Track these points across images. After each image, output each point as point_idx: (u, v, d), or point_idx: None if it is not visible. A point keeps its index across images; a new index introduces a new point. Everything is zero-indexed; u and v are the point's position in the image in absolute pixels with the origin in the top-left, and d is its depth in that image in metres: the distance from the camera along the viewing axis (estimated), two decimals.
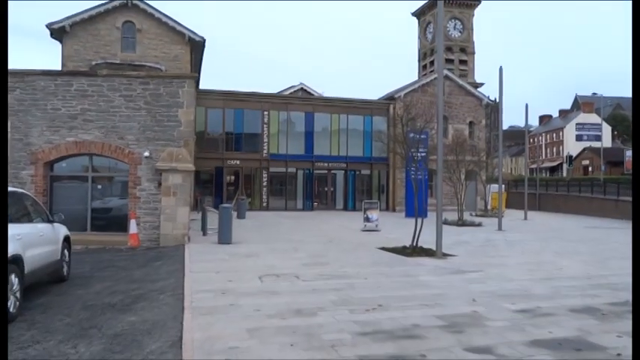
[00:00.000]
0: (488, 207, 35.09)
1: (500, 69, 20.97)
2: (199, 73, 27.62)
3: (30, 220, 7.44)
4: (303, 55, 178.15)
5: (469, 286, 8.30)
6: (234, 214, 24.56)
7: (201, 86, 30.71)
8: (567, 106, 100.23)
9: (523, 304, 6.93)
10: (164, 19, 22.26)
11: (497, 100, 21.24)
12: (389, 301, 7.04)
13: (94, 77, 14.00)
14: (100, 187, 14.63)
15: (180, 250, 12.50)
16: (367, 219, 19.69)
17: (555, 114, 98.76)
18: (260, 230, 18.65)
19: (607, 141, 71.97)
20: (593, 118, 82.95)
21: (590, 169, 75.58)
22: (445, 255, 12.13)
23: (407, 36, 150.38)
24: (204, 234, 15.91)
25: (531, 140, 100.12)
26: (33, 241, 7.04)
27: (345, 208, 33.34)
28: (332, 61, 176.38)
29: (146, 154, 13.79)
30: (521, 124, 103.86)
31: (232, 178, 32.44)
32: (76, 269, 9.79)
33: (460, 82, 36.02)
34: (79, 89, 13.87)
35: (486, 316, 6.32)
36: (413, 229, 19.46)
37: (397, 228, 20.66)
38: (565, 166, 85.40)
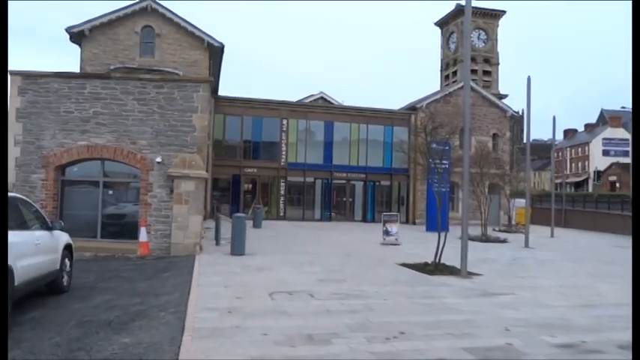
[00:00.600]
0: (512, 222, 33.96)
1: (529, 79, 20.11)
2: (218, 80, 27.34)
3: (26, 228, 6.95)
4: (322, 66, 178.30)
5: (500, 311, 7.51)
6: (250, 223, 24.13)
7: (220, 93, 30.47)
8: (592, 119, 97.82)
9: (564, 337, 6.13)
10: (183, 23, 22.01)
11: (524, 112, 20.33)
12: (411, 328, 6.30)
13: (108, 80, 13.64)
14: (111, 192, 14.21)
15: (191, 261, 11.94)
16: (387, 232, 18.92)
17: (580, 128, 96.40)
18: (275, 241, 18.03)
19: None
20: (621, 132, 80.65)
21: (617, 185, 73.29)
22: (470, 274, 11.31)
23: (429, 46, 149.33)
24: (217, 244, 15.36)
25: (556, 154, 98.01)
26: (27, 250, 6.53)
27: (364, 220, 32.57)
28: (352, 72, 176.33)
29: (158, 159, 13.33)
30: (544, 137, 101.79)
31: (249, 186, 31.99)
32: (79, 279, 9.30)
33: (484, 92, 35.09)
34: (93, 92, 13.52)
35: (523, 350, 5.55)
36: (434, 244, 18.62)
37: (418, 242, 19.84)
38: (591, 181, 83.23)
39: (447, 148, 28.04)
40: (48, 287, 7.68)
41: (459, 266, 12.27)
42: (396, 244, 18.29)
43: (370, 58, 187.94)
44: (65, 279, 8.22)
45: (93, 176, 14.10)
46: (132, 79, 13.61)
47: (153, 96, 13.52)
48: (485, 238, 21.47)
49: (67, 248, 8.40)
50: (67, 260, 8.32)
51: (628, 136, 71.00)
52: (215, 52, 22.69)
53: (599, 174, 51.75)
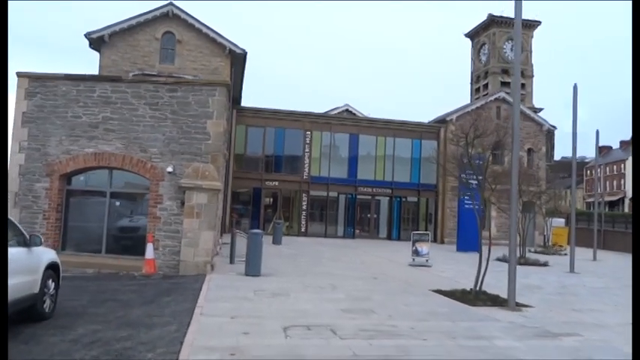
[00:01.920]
0: (548, 243, 31.89)
1: (575, 87, 18.47)
2: (241, 90, 26.44)
3: None
4: (347, 80, 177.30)
5: None
6: (270, 238, 22.93)
7: (242, 104, 29.61)
8: (627, 136, 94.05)
9: None
10: (204, 29, 21.20)
11: (572, 124, 18.66)
12: None
13: (119, 83, 12.69)
14: (118, 203, 13.15)
15: (199, 282, 10.71)
16: (416, 252, 17.41)
17: (615, 145, 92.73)
18: (295, 260, 16.71)
19: None
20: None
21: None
22: (519, 305, 9.76)
23: (458, 58, 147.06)
24: (232, 262, 14.11)
25: (589, 172, 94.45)
26: None
27: (389, 238, 30.99)
28: (378, 85, 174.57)
29: (169, 169, 12.23)
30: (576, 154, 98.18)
31: (270, 200, 30.84)
32: (70, 301, 8.16)
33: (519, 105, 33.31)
34: (102, 95, 12.57)
35: None
36: (468, 267, 17.05)
37: (450, 264, 18.26)
38: (627, 200, 79.54)
39: (480, 162, 26.58)
40: (22, 314, 6.51)
41: (502, 294, 10.76)
42: (426, 266, 16.76)
43: (397, 71, 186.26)
44: (47, 304, 7.05)
45: (100, 186, 13.07)
46: (144, 82, 12.63)
47: (166, 100, 12.49)
48: (523, 261, 19.68)
49: (52, 267, 7.24)
50: (50, 282, 7.15)
51: None
52: (237, 60, 21.78)
53: None
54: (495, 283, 12.50)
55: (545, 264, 19.58)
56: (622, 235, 35.45)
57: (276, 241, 22.26)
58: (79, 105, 12.63)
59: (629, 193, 78.41)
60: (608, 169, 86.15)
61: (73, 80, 12.76)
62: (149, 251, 11.76)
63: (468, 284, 12.87)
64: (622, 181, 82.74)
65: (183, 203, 12.13)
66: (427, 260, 17.18)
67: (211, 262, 12.21)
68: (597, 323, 8.58)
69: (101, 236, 12.71)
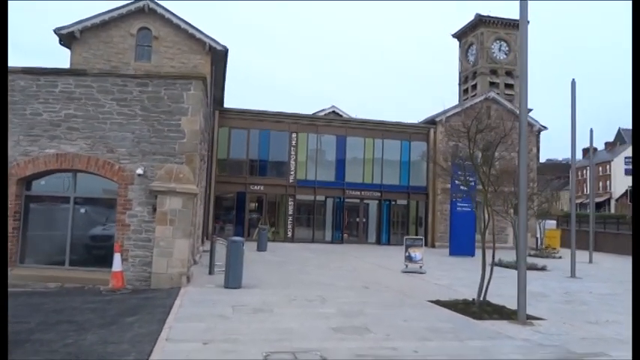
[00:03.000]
0: (541, 246, 31.19)
1: (573, 83, 17.68)
2: (223, 89, 25.30)
3: None
4: (334, 82, 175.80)
5: None
6: (255, 245, 21.79)
7: (225, 106, 28.46)
8: (611, 138, 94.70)
9: None
10: (183, 25, 20.04)
11: (570, 120, 17.88)
12: None
13: (83, 77, 11.49)
14: (84, 210, 11.90)
15: (172, 297, 9.56)
16: (409, 258, 16.40)
17: (599, 146, 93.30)
18: (281, 268, 15.59)
19: None
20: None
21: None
22: (529, 318, 8.78)
23: (446, 59, 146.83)
24: (211, 272, 12.96)
25: (577, 174, 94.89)
26: None
27: (379, 242, 29.99)
28: (364, 87, 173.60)
29: (139, 171, 11.06)
30: (559, 157, 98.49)
31: (255, 205, 29.66)
32: (16, 324, 6.97)
33: (509, 105, 32.65)
34: (65, 90, 11.37)
35: None
36: (463, 273, 16.11)
37: (444, 270, 17.29)
38: (613, 201, 79.81)
39: (471, 163, 25.74)
40: None
41: (507, 304, 9.82)
42: (420, 273, 15.76)
43: (384, 72, 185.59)
44: None
45: (63, 191, 11.80)
46: (111, 76, 11.45)
47: (135, 95, 11.33)
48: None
49: None
50: None
51: None
52: (218, 57, 20.65)
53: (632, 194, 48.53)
54: (496, 290, 11.57)
55: (543, 268, 18.74)
56: (613, 236, 34.94)
57: (261, 248, 21.13)
58: (39, 101, 11.40)
59: (615, 194, 78.77)
60: (595, 170, 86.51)
61: (32, 74, 11.53)
62: (116, 263, 10.56)
63: (467, 293, 11.90)
64: (608, 183, 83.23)
65: (155, 209, 10.96)
66: (421, 267, 16.19)
67: (187, 274, 11.04)
68: (619, 338, 7.61)
69: (64, 247, 11.46)
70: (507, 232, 32.91)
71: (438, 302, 10.21)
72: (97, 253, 11.98)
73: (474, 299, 10.17)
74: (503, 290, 11.65)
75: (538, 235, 31.69)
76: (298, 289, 11.39)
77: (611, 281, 15.94)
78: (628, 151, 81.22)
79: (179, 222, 10.86)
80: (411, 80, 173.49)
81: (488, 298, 10.15)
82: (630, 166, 79.24)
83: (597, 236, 36.61)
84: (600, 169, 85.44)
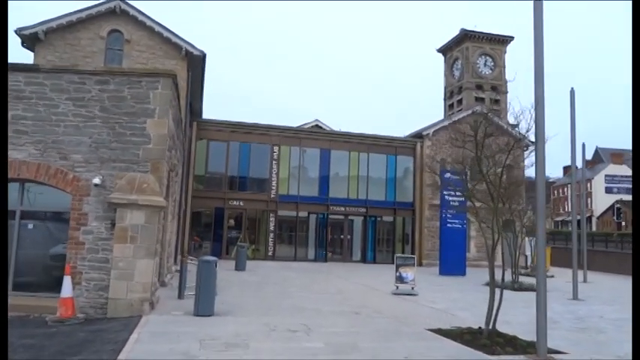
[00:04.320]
0: (529, 264, 30.19)
1: (572, 92, 16.78)
2: (201, 99, 23.95)
3: None
4: (316, 97, 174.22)
5: None
6: (233, 264, 20.25)
7: (203, 116, 27.08)
8: (589, 156, 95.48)
9: None
10: (157, 28, 18.72)
11: (570, 131, 16.96)
12: None
13: (35, 73, 10.06)
14: (31, 226, 10.32)
15: (130, 328, 8.07)
16: (400, 278, 15.10)
17: (579, 165, 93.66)
18: (260, 290, 14.13)
19: None
20: (624, 169, 78.31)
21: (623, 223, 70.08)
22: (550, 352, 7.53)
23: (430, 74, 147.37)
24: (180, 296, 11.46)
25: (555, 192, 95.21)
26: None
27: (364, 261, 28.66)
28: (348, 102, 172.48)
29: (96, 180, 9.61)
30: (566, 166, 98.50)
31: (233, 221, 28.11)
32: None
33: (496, 120, 31.91)
34: (14, 89, 9.89)
35: None
36: (457, 294, 14.97)
37: (438, 291, 16.06)
38: (594, 219, 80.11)
39: (462, 178, 24.76)
40: None
41: (519, 334, 8.59)
42: (412, 294, 14.48)
43: (368, 88, 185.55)
44: None
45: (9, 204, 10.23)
46: (67, 72, 10.03)
47: (94, 95, 9.93)
48: (517, 286, 17.64)
49: None
50: None
51: (630, 172, 68.49)
52: (195, 63, 19.35)
53: (619, 210, 48.35)
54: (500, 315, 10.37)
55: None
56: (603, 254, 34.23)
57: (240, 267, 19.62)
58: None
59: (597, 212, 79.12)
60: (573, 187, 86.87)
61: None
62: (66, 288, 9.00)
63: (468, 319, 10.67)
64: (589, 200, 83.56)
65: (113, 224, 9.49)
66: (413, 288, 14.90)
67: (150, 299, 9.54)
68: None
69: (6, 269, 9.85)
70: (496, 250, 31.92)
71: (439, 332, 8.91)
72: (57, 274, 10.38)
73: (480, 328, 8.91)
74: (508, 315, 10.44)
75: (528, 253, 30.72)
76: (279, 315, 9.98)
77: (617, 303, 14.85)
78: (607, 170, 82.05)
79: (142, 239, 9.40)
80: (396, 97, 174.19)
81: (498, 327, 8.93)
82: (611, 185, 80.00)
83: (588, 255, 36.02)
84: (581, 186, 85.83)
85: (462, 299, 14.32)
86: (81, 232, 9.59)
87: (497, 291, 8.79)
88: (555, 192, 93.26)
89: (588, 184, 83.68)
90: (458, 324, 9.88)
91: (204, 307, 9.39)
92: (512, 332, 8.90)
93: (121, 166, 9.75)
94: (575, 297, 15.35)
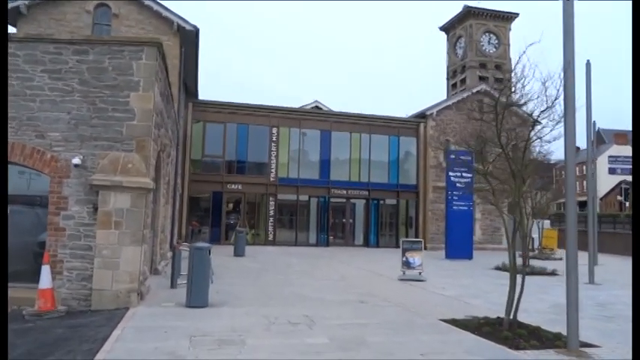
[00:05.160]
0: (537, 246, 29.47)
1: (588, 64, 15.76)
2: (196, 78, 22.95)
3: None
4: (316, 77, 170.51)
5: None
6: (232, 249, 19.50)
7: (200, 97, 26.11)
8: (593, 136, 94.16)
9: None
10: (147, 1, 17.67)
11: (586, 106, 16.01)
12: None
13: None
14: (18, 211, 9.42)
15: (113, 323, 7.28)
16: (407, 264, 14.33)
17: (582, 145, 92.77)
18: (259, 277, 13.36)
19: None
20: (627, 150, 77.27)
21: (627, 204, 69.36)
22: (582, 345, 6.75)
23: (432, 52, 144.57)
24: (173, 285, 10.68)
25: (557, 173, 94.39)
26: None
27: (366, 245, 27.95)
28: (349, 82, 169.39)
29: (76, 160, 8.75)
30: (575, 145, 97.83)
31: (232, 205, 27.32)
32: None
33: (501, 98, 30.92)
34: None
35: None
36: (470, 280, 14.25)
37: (446, 277, 15.29)
38: (597, 200, 79.39)
39: (467, 158, 23.88)
40: None
41: (542, 324, 7.85)
42: (420, 280, 13.72)
43: (368, 70, 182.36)
44: None
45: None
46: (42, 42, 9.09)
47: (72, 66, 9.01)
48: (529, 270, 16.83)
49: None
50: None
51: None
52: (187, 39, 18.33)
53: (626, 190, 47.42)
54: (503, 298, 9.61)
55: (553, 272, 16.88)
56: (610, 235, 33.61)
57: (238, 253, 18.86)
58: None
59: (600, 193, 78.36)
60: (577, 169, 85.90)
61: None
62: (44, 278, 8.19)
63: (483, 306, 9.92)
64: (576, 184, 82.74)
65: (96, 208, 8.65)
66: (420, 273, 14.14)
67: (139, 290, 8.75)
68: None
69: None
70: (501, 232, 31.20)
71: (455, 322, 8.13)
72: (21, 266, 9.55)
73: (499, 318, 8.12)
74: (524, 302, 9.50)
75: (535, 235, 29.98)
76: (279, 306, 9.20)
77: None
78: (611, 151, 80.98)
79: (127, 224, 8.57)
80: (396, 77, 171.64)
81: (501, 310, 8.17)
82: (614, 165, 79.08)
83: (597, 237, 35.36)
84: (584, 168, 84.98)
85: (473, 285, 13.57)
86: (61, 217, 8.76)
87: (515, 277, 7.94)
88: (558, 173, 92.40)
89: (592, 166, 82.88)
90: (472, 313, 9.12)
91: (196, 298, 8.60)
92: (532, 321, 8.16)
93: (103, 145, 8.87)
94: (591, 281, 14.60)
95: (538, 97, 7.25)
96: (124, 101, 8.93)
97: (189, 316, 7.98)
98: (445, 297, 11.25)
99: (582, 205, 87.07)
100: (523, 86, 7.41)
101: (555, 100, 7.16)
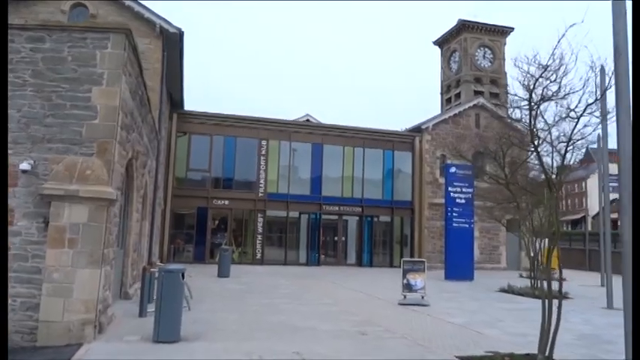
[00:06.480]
0: (540, 266, 28.17)
1: (602, 69, 14.67)
2: (181, 86, 21.67)
3: None
4: (307, 92, 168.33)
5: None
6: (216, 270, 17.99)
7: (185, 108, 24.82)
8: (580, 158, 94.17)
9: None
10: (127, 2, 16.47)
11: (600, 116, 14.88)
12: None
13: None
14: None
15: None
16: (408, 286, 12.99)
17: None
18: (243, 302, 11.91)
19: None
20: (614, 168, 77.09)
21: (619, 222, 68.90)
22: None
23: (426, 67, 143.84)
24: (142, 314, 9.21)
25: (568, 187, 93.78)
26: None
27: (359, 264, 26.55)
28: (341, 97, 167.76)
29: (24, 166, 7.36)
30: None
31: (218, 222, 25.84)
32: None
33: (499, 112, 30.03)
34: None
35: None
36: (475, 304, 12.98)
37: (449, 300, 13.99)
38: (589, 219, 78.75)
39: (469, 172, 22.74)
40: None
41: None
42: (423, 305, 12.36)
43: (362, 82, 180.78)
44: None
45: None
46: None
47: (25, 55, 7.69)
48: (539, 293, 15.53)
49: None
50: None
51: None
52: (171, 42, 17.11)
53: None
54: (531, 330, 8.38)
55: (565, 296, 15.55)
56: (612, 255, 32.39)
57: (223, 274, 17.39)
58: None
59: (592, 212, 77.74)
60: (569, 187, 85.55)
61: None
62: None
63: (502, 339, 8.60)
64: (583, 200, 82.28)
65: (47, 223, 7.25)
66: (423, 297, 12.80)
67: (97, 321, 7.30)
68: None
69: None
70: (500, 251, 30.05)
71: None
72: None
73: (529, 355, 6.81)
74: (536, 329, 8.40)
75: (532, 255, 28.74)
76: (264, 339, 7.79)
77: None
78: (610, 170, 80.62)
79: (83, 243, 7.17)
80: (389, 95, 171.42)
81: (533, 344, 6.89)
82: (612, 184, 78.69)
83: (592, 255, 34.36)
84: (575, 186, 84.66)
85: (481, 310, 12.25)
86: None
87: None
88: (568, 187, 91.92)
89: (583, 184, 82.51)
90: (490, 346, 7.81)
91: (166, 331, 7.17)
92: (566, 357, 6.85)
93: (59, 148, 7.50)
94: (610, 306, 13.34)
95: (585, 85, 5.94)
96: (84, 97, 7.59)
97: (155, 354, 6.55)
98: (454, 325, 9.90)
99: (575, 223, 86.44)
100: (565, 74, 6.02)
101: (606, 90, 5.94)
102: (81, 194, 7.18)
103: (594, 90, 6.08)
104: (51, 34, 7.73)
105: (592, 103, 6.10)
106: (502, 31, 38.13)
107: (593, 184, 79.48)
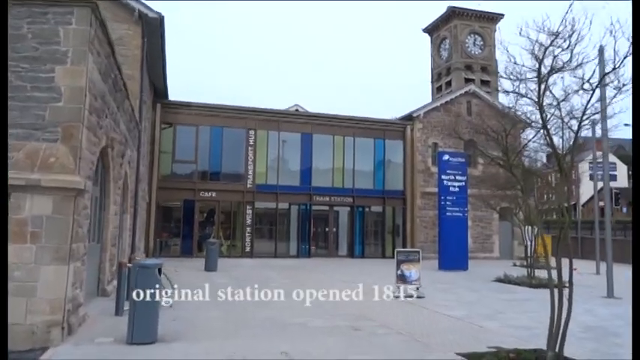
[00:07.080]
0: (533, 254, 27.91)
1: (601, 49, 14.18)
2: (164, 75, 20.87)
3: None
4: (296, 83, 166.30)
5: None
6: (203, 263, 17.39)
7: (170, 98, 24.03)
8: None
9: None
10: None
11: (600, 98, 14.38)
12: None
13: None
14: None
15: None
16: (402, 278, 12.48)
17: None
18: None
19: (623, 180, 65.80)
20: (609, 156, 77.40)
21: (625, 210, 69.05)
22: None
23: (415, 55, 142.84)
24: (118, 312, 8.58)
25: (540, 180, 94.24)
26: None
27: (351, 255, 26.06)
28: (329, 85, 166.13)
29: None
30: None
31: (205, 214, 25.17)
32: None
33: (490, 100, 29.56)
34: None
35: None
36: (473, 295, 12.50)
37: (445, 291, 13.53)
38: (579, 207, 79.11)
39: (462, 160, 22.26)
40: None
41: (590, 356, 6.05)
42: (418, 297, 11.86)
43: (352, 71, 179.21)
44: None
45: None
46: None
47: None
48: (536, 282, 15.18)
49: None
50: None
51: (614, 159, 67.39)
52: (151, 28, 16.29)
53: (617, 196, 46.46)
54: (535, 323, 7.96)
55: (563, 285, 15.13)
56: (602, 242, 32.28)
57: (210, 267, 16.78)
58: None
59: (583, 199, 78.06)
60: (558, 175, 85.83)
61: None
62: None
63: (503, 332, 8.10)
64: (574, 188, 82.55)
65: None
66: (418, 288, 12.29)
67: (64, 323, 6.67)
68: None
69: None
70: (493, 240, 29.72)
71: (479, 358, 6.26)
72: None
73: (536, 351, 6.32)
74: (545, 323, 7.92)
75: (528, 243, 28.51)
76: (249, 337, 7.22)
77: None
78: (591, 157, 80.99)
79: (48, 237, 6.52)
80: (379, 83, 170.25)
81: (538, 338, 6.40)
82: (597, 172, 78.99)
83: (584, 242, 34.22)
84: (605, 167, 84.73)
85: (479, 302, 11.78)
86: None
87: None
88: (539, 180, 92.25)
89: (573, 171, 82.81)
90: (493, 341, 7.32)
91: (141, 332, 6.56)
92: (578, 354, 6.36)
93: (19, 134, 6.81)
94: (610, 294, 12.93)
95: (600, 53, 5.35)
96: (46, 77, 6.90)
97: (127, 358, 5.94)
98: (453, 319, 9.40)
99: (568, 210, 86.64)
100: (577, 42, 5.43)
101: (625, 58, 5.35)
102: (43, 184, 6.51)
103: (613, 57, 5.47)
104: (9, 10, 7.00)
105: (609, 72, 5.52)
106: (492, 18, 37.61)
107: (583, 171, 79.91)
